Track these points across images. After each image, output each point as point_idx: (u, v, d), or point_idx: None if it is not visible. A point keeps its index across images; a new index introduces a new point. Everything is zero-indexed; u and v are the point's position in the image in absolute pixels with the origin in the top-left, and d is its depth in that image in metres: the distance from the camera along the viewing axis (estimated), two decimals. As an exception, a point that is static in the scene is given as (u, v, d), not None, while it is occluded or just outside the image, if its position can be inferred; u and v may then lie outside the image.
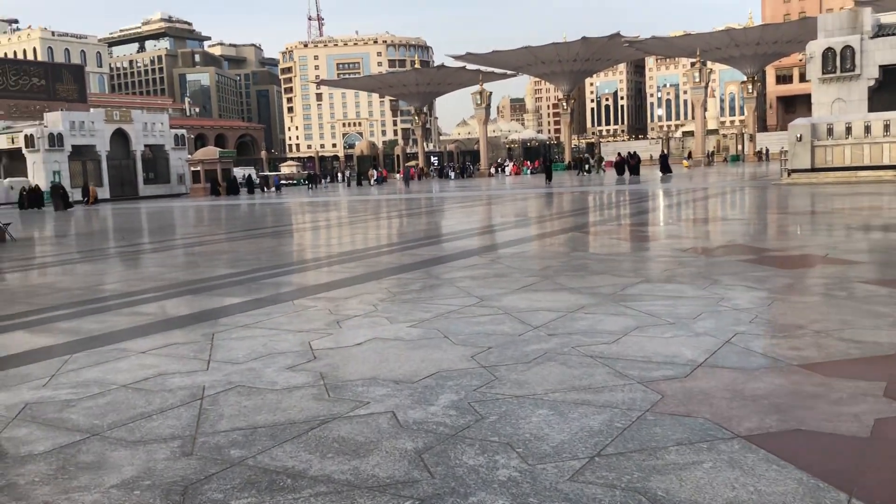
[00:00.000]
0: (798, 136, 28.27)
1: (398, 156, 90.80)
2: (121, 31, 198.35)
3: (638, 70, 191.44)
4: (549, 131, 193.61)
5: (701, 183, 34.04)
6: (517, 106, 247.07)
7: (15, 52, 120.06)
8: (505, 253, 11.41)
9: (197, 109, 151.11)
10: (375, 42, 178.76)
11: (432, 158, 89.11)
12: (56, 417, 4.31)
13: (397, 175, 74.42)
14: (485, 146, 73.98)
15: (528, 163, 78.40)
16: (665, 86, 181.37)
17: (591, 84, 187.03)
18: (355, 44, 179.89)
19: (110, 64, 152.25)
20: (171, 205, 39.61)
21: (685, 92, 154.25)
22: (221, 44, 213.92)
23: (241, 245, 15.52)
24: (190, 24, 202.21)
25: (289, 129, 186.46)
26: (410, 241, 14.77)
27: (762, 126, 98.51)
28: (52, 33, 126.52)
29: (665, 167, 46.80)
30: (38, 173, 48.44)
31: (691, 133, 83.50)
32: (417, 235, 15.97)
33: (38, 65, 75.33)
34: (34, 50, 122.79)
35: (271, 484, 3.23)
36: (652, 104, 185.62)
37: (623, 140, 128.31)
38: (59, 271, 12.44)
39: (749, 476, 3.07)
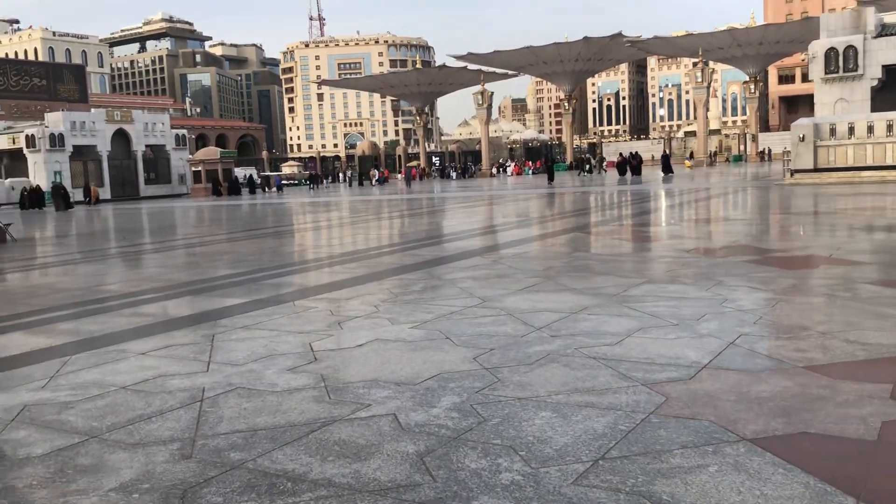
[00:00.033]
0: (801, 136, 28.22)
1: (399, 156, 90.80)
2: (122, 31, 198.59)
3: (640, 70, 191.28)
4: (551, 131, 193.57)
5: (703, 183, 33.99)
6: (519, 106, 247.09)
7: (16, 53, 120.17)
8: (507, 253, 11.37)
9: (198, 109, 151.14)
10: (377, 42, 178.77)
11: (434, 159, 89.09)
12: (55, 419, 4.27)
13: (399, 175, 74.40)
14: (486, 146, 73.97)
15: (530, 163, 78.39)
16: (667, 86, 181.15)
17: (593, 84, 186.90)
18: (356, 44, 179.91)
19: (111, 64, 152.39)
20: (172, 205, 39.61)
21: (687, 92, 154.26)
22: (222, 44, 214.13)
23: (241, 245, 15.49)
24: (191, 24, 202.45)
25: (290, 129, 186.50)
26: (412, 241, 14.73)
27: (764, 126, 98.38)
28: (53, 33, 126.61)
29: (667, 167, 46.75)
30: (39, 173, 48.48)
31: (693, 133, 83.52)
32: (419, 236, 15.94)
33: (39, 65, 75.41)
34: (35, 50, 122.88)
35: (271, 487, 3.20)
36: (654, 104, 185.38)
37: (625, 140, 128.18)
38: (59, 272, 12.41)
39: (755, 480, 3.03)
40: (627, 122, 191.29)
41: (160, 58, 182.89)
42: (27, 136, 49.40)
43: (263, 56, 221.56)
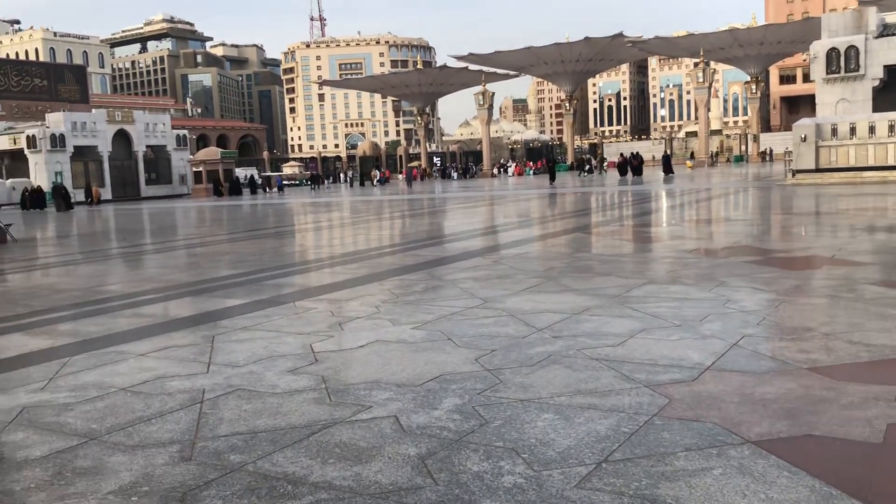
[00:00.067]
0: (802, 136, 28.18)
1: (401, 156, 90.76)
2: (123, 31, 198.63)
3: (641, 70, 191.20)
4: (552, 132, 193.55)
5: (705, 184, 33.94)
6: (520, 106, 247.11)
7: (17, 53, 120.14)
8: (508, 254, 11.34)
9: (199, 110, 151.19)
10: (378, 42, 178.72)
11: (435, 159, 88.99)
12: (53, 421, 4.24)
13: (400, 176, 74.39)
14: (487, 147, 73.94)
15: (531, 163, 78.36)
16: (668, 86, 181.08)
17: (594, 84, 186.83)
18: (357, 44, 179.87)
19: (112, 64, 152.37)
20: (173, 205, 39.60)
21: (688, 92, 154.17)
22: (223, 44, 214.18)
23: (242, 246, 15.47)
24: (192, 24, 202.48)
25: (291, 129, 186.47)
26: (413, 241, 14.71)
27: (766, 126, 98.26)
28: (55, 34, 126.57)
29: (668, 168, 46.71)
30: (39, 174, 48.49)
31: (694, 133, 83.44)
32: (420, 236, 15.92)
33: (40, 65, 75.32)
34: (36, 50, 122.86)
35: (271, 490, 3.17)
36: (655, 105, 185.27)
37: (626, 140, 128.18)
38: (59, 272, 12.39)
39: (760, 483, 3.00)
40: (628, 122, 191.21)
41: (161, 58, 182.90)
42: (28, 136, 49.42)
43: (264, 56, 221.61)
